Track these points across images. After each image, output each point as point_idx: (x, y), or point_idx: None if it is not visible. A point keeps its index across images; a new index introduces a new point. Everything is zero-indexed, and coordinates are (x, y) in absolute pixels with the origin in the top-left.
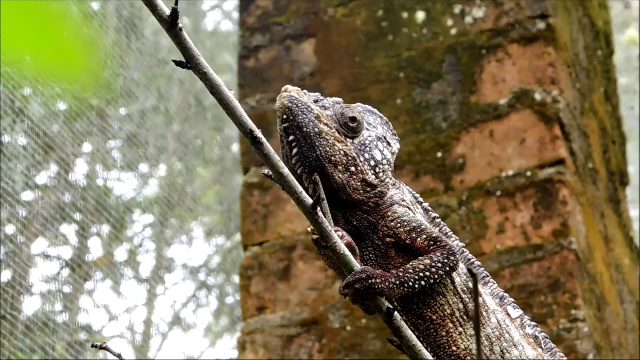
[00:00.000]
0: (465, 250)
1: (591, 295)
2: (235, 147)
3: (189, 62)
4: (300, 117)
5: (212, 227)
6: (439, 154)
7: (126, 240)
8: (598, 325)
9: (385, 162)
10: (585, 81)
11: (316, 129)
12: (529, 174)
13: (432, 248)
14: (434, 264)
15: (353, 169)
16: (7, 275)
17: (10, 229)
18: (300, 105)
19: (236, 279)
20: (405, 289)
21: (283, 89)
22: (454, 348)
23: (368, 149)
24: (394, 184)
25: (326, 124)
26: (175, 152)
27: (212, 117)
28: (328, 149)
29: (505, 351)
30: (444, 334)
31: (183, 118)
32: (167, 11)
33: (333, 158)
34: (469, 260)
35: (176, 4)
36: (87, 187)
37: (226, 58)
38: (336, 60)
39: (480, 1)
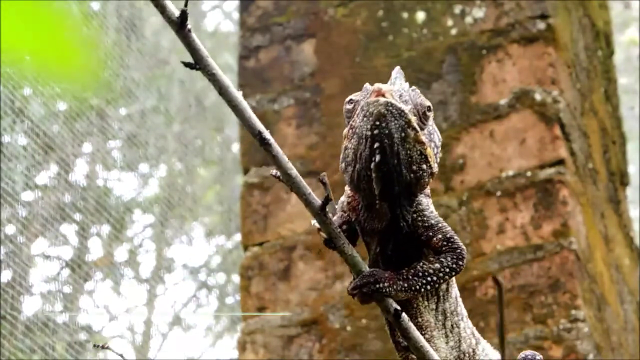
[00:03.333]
0: None
1: (591, 295)
2: (235, 147)
3: (198, 63)
4: (392, 125)
5: (212, 227)
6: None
7: (126, 240)
8: (598, 325)
9: (439, 144)
10: (585, 81)
11: (403, 134)
12: (529, 174)
13: (444, 249)
14: (442, 269)
15: (424, 166)
16: (7, 275)
17: (10, 229)
18: (394, 112)
19: (236, 279)
20: (412, 292)
21: (376, 88)
22: (419, 319)
23: (431, 135)
24: None
25: (413, 128)
26: (175, 152)
27: (212, 117)
28: (408, 152)
29: (454, 325)
30: (414, 305)
31: (183, 118)
32: (176, 12)
33: (410, 160)
34: None
35: (185, 5)
36: (87, 187)
37: (226, 58)
38: (336, 60)
39: (480, 1)
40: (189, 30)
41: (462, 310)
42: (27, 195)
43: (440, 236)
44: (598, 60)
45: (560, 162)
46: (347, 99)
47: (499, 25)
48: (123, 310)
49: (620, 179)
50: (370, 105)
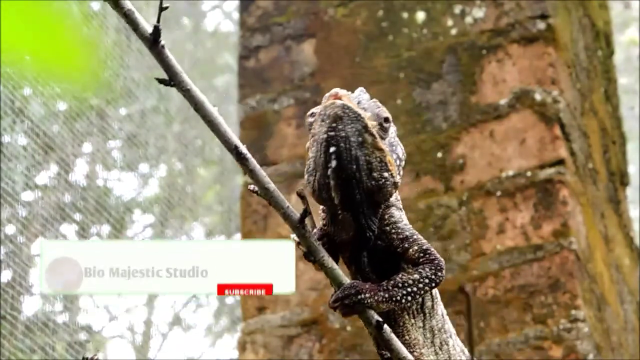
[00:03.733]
0: None
1: (591, 295)
2: None
3: (172, 79)
4: (349, 128)
5: (212, 227)
6: (439, 154)
7: None
8: (598, 325)
9: (403, 157)
10: (585, 81)
11: (360, 139)
12: (529, 174)
13: (421, 260)
14: (422, 280)
15: (386, 174)
16: (7, 275)
17: (10, 229)
18: (351, 115)
19: None
20: (393, 304)
21: (333, 92)
22: (407, 337)
23: (394, 147)
24: None
25: (371, 134)
26: (175, 152)
27: None
28: (367, 158)
29: (443, 342)
30: (401, 323)
31: (183, 118)
32: (149, 29)
33: (370, 167)
34: None
35: (158, 21)
36: (87, 187)
37: (226, 58)
38: (336, 60)
39: (480, 1)
40: (162, 47)
41: (450, 327)
42: (27, 195)
43: (416, 247)
44: (598, 60)
45: (560, 162)
46: (309, 112)
47: (499, 25)
48: (123, 310)
49: (620, 179)
50: (327, 108)
